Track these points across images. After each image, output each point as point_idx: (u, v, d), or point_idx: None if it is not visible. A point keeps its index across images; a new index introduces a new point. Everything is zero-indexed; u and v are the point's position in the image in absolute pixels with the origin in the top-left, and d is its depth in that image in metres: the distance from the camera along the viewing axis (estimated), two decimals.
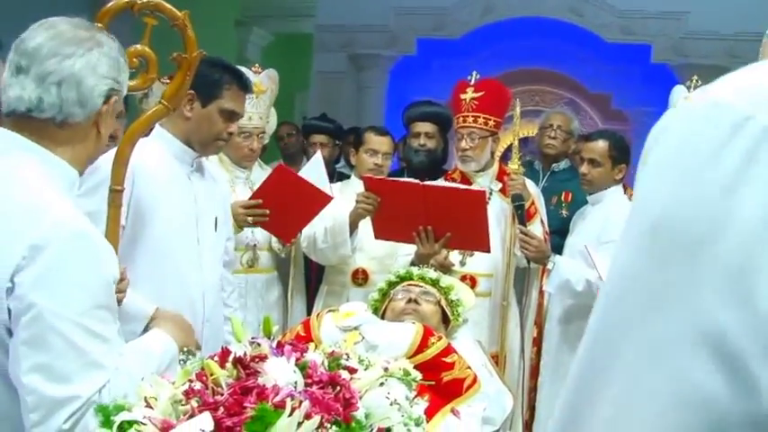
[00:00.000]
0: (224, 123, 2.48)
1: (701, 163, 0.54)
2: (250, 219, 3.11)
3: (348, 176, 4.08)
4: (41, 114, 1.43)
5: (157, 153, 2.43)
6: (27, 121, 1.44)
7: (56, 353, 1.31)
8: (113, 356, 1.38)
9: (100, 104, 1.50)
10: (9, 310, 1.32)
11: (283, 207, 3.11)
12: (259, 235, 3.38)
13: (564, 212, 4.18)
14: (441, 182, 3.53)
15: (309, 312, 3.44)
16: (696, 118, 0.57)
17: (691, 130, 0.56)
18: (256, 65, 3.43)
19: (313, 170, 3.41)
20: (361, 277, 3.55)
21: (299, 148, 5.32)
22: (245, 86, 2.56)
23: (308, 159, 4.52)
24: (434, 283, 2.77)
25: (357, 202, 3.24)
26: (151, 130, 2.36)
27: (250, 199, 3.13)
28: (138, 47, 1.93)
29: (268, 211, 3.09)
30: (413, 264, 3.18)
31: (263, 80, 3.37)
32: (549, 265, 3.33)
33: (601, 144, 3.55)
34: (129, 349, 1.49)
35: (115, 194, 1.94)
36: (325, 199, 3.23)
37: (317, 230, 3.42)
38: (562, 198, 4.30)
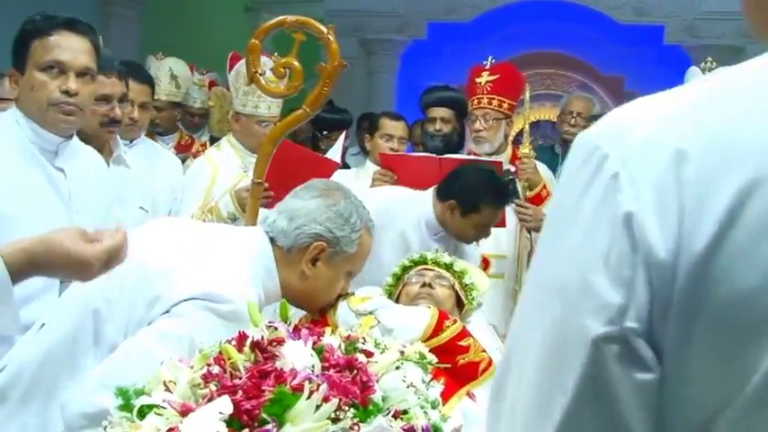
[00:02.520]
0: (54, 80, 2.08)
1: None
2: None
3: (349, 167, 4.12)
4: (275, 242, 1.84)
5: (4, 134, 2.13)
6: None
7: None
8: None
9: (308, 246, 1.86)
10: None
11: (290, 183, 3.11)
12: None
13: None
14: (457, 155, 3.54)
15: None
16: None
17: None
18: (275, 54, 3.44)
19: (333, 151, 3.45)
20: None
21: (308, 137, 5.31)
22: (53, 26, 2.09)
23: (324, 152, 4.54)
24: (448, 267, 2.77)
25: (374, 179, 3.25)
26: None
27: None
28: (288, 59, 2.31)
29: (272, 193, 3.10)
30: None
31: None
32: None
33: None
34: None
35: (256, 187, 2.41)
36: (331, 165, 3.25)
37: None
38: None
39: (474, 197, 2.71)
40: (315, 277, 1.85)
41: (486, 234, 2.75)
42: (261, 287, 1.74)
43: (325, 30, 2.32)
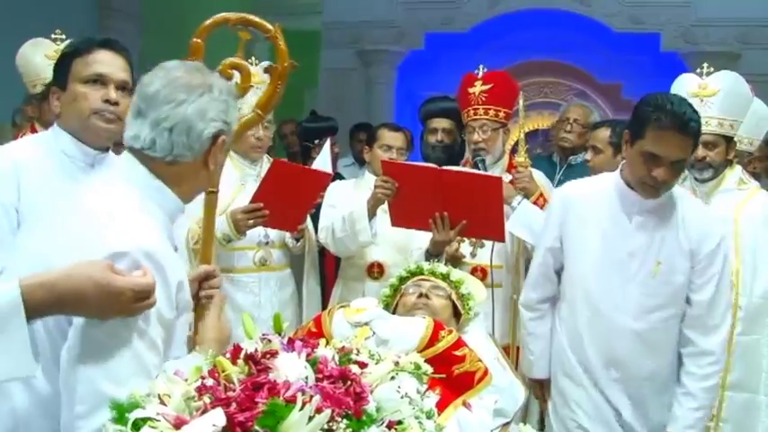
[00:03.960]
0: (96, 91, 2.26)
1: None
2: (251, 222, 3.11)
3: (343, 178, 4.13)
4: (154, 154, 1.58)
5: (42, 153, 2.31)
6: (141, 155, 1.60)
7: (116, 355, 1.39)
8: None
9: (208, 146, 1.63)
10: None
11: (285, 200, 3.12)
12: (272, 232, 3.39)
13: None
14: (458, 168, 3.54)
15: (325, 308, 3.47)
16: None
17: None
18: (252, 57, 3.46)
19: (320, 159, 3.46)
20: (376, 271, 3.58)
21: (299, 150, 5.33)
22: (92, 46, 2.29)
23: (305, 163, 4.54)
24: (445, 277, 2.78)
25: (375, 187, 3.27)
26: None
27: (251, 202, 3.11)
28: (234, 59, 2.12)
29: (268, 212, 3.10)
30: (427, 252, 3.20)
31: (260, 72, 3.38)
32: (515, 203, 3.31)
33: (602, 132, 3.57)
34: None
35: (210, 196, 2.08)
36: (323, 178, 3.27)
37: (335, 220, 3.45)
38: None
39: (640, 119, 2.48)
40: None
41: (660, 177, 2.44)
42: (160, 211, 1.61)
43: (272, 28, 2.24)
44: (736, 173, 3.31)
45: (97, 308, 1.36)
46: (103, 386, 1.37)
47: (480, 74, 3.53)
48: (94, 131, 2.28)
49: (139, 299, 1.38)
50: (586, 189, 2.79)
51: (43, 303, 1.31)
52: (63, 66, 2.29)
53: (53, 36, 3.60)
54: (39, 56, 3.51)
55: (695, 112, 2.46)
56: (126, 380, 1.38)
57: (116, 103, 2.26)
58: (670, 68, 6.58)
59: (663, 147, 2.41)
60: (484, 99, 3.47)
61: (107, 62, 2.28)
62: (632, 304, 2.60)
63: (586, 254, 2.67)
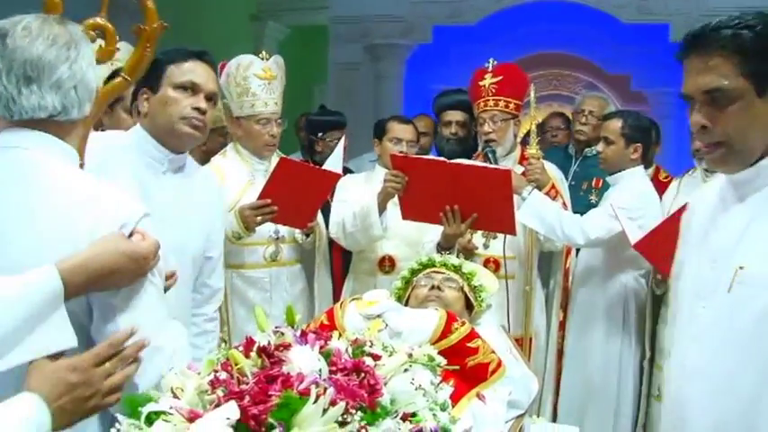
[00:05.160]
0: (187, 98, 2.34)
1: None
2: (259, 218, 3.10)
3: (352, 172, 4.11)
4: (65, 117, 1.53)
5: (120, 153, 2.34)
6: (44, 123, 1.52)
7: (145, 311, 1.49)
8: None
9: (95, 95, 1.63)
10: None
11: (293, 197, 3.11)
12: (282, 228, 3.38)
13: (593, 198, 4.17)
14: (468, 160, 3.53)
15: (335, 302, 3.46)
16: None
17: None
18: (263, 52, 3.44)
19: (334, 157, 3.44)
20: (387, 265, 3.58)
21: (305, 143, 5.30)
22: (188, 55, 2.40)
23: (320, 155, 4.53)
24: (457, 269, 2.77)
25: (385, 181, 3.26)
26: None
27: (258, 198, 3.10)
28: (97, 20, 1.98)
29: (276, 208, 3.10)
30: (438, 245, 3.19)
31: (272, 66, 3.37)
32: (525, 193, 3.31)
33: (613, 122, 3.55)
34: None
35: None
36: (332, 177, 3.25)
37: (346, 215, 3.45)
38: (593, 184, 4.29)
39: None
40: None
41: None
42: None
43: None
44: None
45: (127, 277, 1.44)
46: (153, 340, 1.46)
47: (490, 67, 3.53)
48: (179, 136, 2.35)
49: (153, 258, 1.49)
50: None
51: (79, 286, 1.37)
52: (157, 70, 2.35)
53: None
54: None
55: None
56: (161, 327, 1.51)
57: (204, 112, 2.36)
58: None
59: None
60: (494, 90, 3.47)
61: (200, 73, 2.37)
62: None
63: None
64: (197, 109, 2.34)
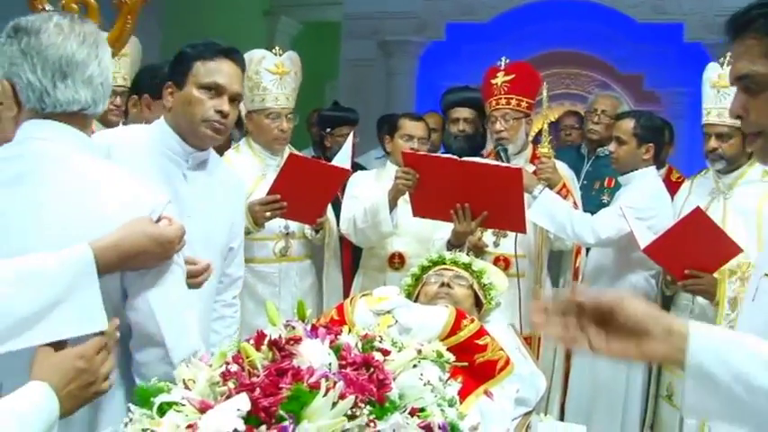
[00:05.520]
0: (211, 100, 2.30)
1: None
2: (268, 214, 3.10)
3: (363, 168, 4.12)
4: (94, 110, 1.63)
5: (144, 147, 2.33)
6: (69, 116, 1.61)
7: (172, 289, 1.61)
8: None
9: None
10: None
11: (302, 193, 3.12)
12: (292, 223, 3.40)
13: (606, 198, 4.16)
14: (479, 159, 3.54)
15: (345, 298, 3.47)
16: None
17: None
18: (276, 47, 3.45)
19: (342, 153, 3.46)
20: (397, 261, 3.59)
21: (317, 139, 5.30)
22: (216, 53, 2.33)
23: (329, 150, 4.54)
24: (467, 267, 2.78)
25: (396, 177, 3.27)
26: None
27: (268, 194, 3.11)
28: None
29: (285, 204, 3.11)
30: (449, 243, 3.19)
31: (285, 61, 3.38)
32: (536, 192, 3.31)
33: (625, 122, 3.53)
34: None
35: None
36: (341, 173, 3.25)
37: (357, 212, 3.45)
38: (605, 183, 4.29)
39: None
40: None
41: None
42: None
43: None
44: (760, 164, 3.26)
45: (154, 258, 1.55)
46: (182, 315, 1.61)
47: (502, 65, 3.54)
48: (201, 138, 2.33)
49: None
50: None
51: (111, 263, 1.47)
52: (183, 65, 2.32)
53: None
54: None
55: None
56: (188, 305, 1.65)
57: (226, 115, 2.32)
58: (694, 59, 6.51)
59: None
60: (506, 89, 3.47)
61: (226, 72, 2.32)
62: None
63: None
64: (219, 112, 2.30)
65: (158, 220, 1.57)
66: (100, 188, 1.56)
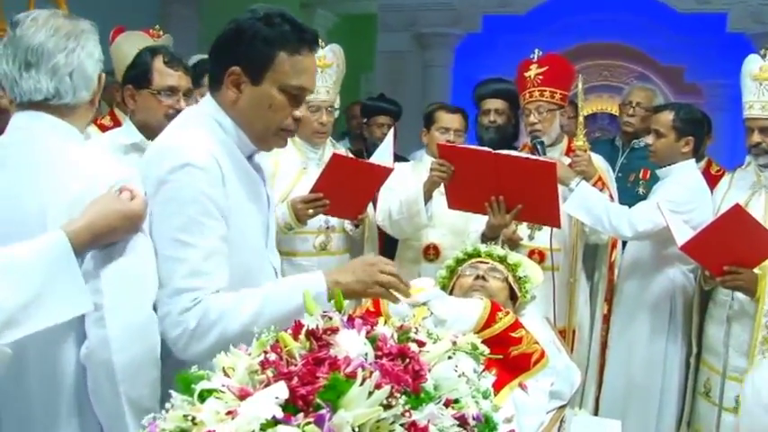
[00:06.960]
0: (292, 105, 1.86)
1: None
2: (311, 211, 3.12)
3: (405, 159, 4.12)
4: (59, 101, 1.68)
5: (219, 144, 1.84)
6: (44, 106, 1.68)
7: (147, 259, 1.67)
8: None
9: (96, 85, 1.77)
10: None
11: (344, 191, 3.13)
12: (333, 218, 3.41)
13: (641, 190, 4.12)
14: (513, 152, 3.53)
15: None
16: None
17: None
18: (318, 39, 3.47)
19: (383, 148, 3.46)
20: (432, 253, 3.60)
21: (358, 132, 5.32)
22: (301, 42, 1.84)
23: (366, 141, 4.55)
24: (502, 259, 2.78)
25: (431, 170, 3.28)
26: None
27: (310, 192, 3.13)
28: None
29: (328, 201, 3.13)
30: (483, 236, 3.19)
31: (327, 54, 3.39)
32: (572, 184, 3.30)
33: (665, 115, 3.49)
34: None
35: None
36: (384, 172, 3.25)
37: (392, 203, 3.47)
38: (640, 176, 4.24)
39: None
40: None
41: None
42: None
43: None
44: None
45: (124, 231, 1.61)
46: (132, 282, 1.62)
47: (536, 57, 3.53)
48: (269, 145, 1.94)
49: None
50: None
51: (85, 243, 1.54)
52: (262, 53, 1.81)
53: (151, 31, 3.84)
54: (133, 48, 3.43)
55: None
56: (144, 274, 1.65)
57: (299, 120, 1.91)
58: (736, 50, 6.37)
59: None
60: (539, 81, 3.46)
61: (312, 72, 1.88)
62: None
63: None
64: (297, 120, 1.90)
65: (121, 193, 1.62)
66: (68, 169, 1.63)
